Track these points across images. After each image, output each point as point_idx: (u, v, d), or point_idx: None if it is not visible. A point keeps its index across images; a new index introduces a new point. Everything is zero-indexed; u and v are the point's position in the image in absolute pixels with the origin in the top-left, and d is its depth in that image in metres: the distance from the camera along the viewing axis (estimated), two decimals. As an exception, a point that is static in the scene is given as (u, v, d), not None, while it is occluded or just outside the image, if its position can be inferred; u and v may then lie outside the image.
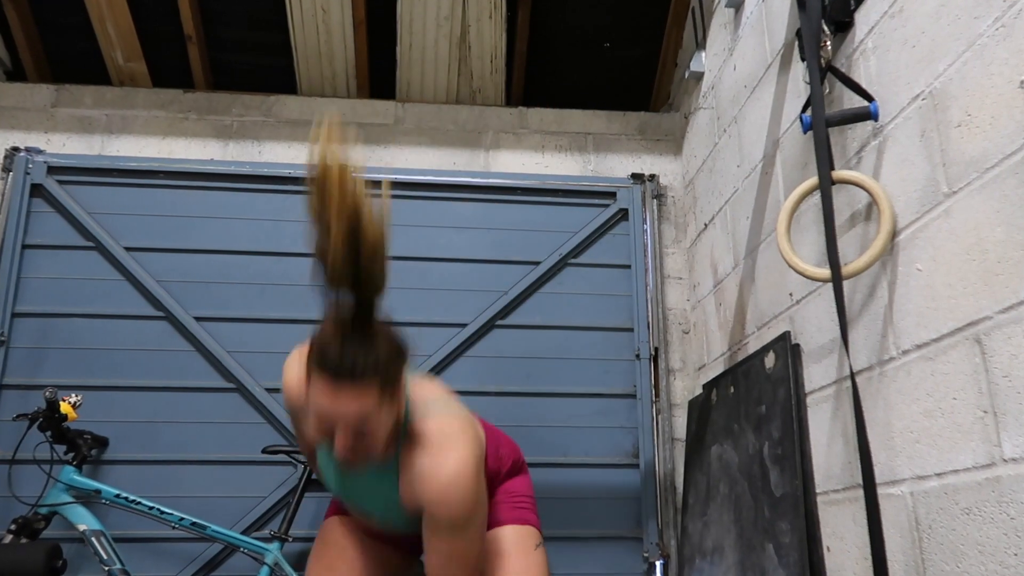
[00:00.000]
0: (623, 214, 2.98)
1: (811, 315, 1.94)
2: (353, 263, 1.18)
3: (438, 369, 2.74)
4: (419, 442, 1.40)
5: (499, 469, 1.71)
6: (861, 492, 1.58)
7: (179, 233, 2.78)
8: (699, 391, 2.67)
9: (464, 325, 2.78)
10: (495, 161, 3.05)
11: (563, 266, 2.90)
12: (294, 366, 1.56)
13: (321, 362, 1.23)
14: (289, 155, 2.96)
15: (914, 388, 1.51)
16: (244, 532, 2.46)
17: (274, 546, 2.27)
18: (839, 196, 1.77)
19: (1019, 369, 1.25)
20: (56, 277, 2.69)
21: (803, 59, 1.86)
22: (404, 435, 1.41)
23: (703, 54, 2.82)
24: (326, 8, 2.90)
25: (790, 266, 1.79)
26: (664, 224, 3.03)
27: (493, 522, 1.65)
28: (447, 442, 1.38)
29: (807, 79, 1.82)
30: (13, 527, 2.14)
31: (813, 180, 1.75)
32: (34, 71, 2.98)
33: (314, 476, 2.27)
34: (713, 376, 2.54)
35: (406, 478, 1.41)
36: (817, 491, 1.85)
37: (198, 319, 2.68)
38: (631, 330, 2.85)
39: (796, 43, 1.98)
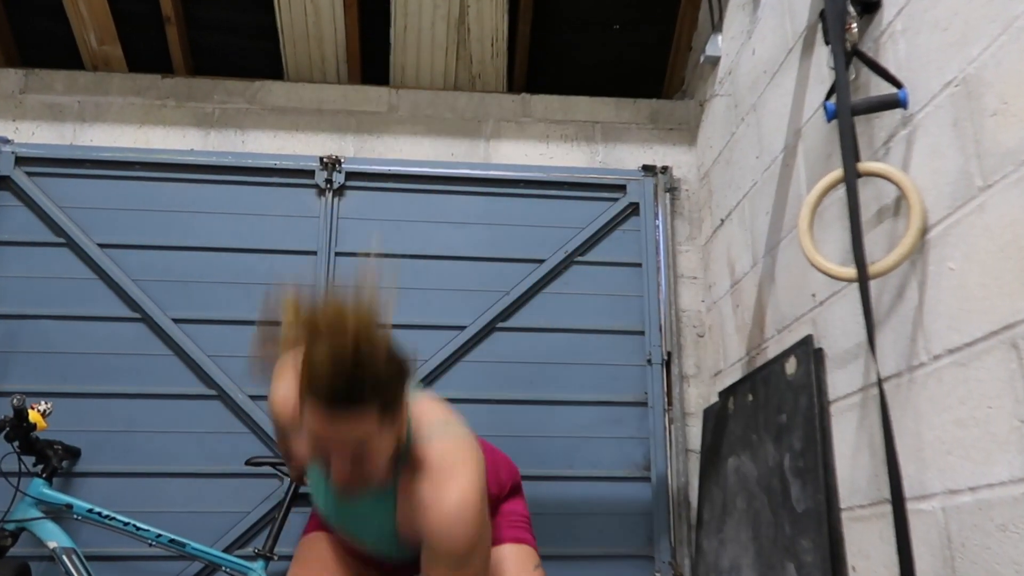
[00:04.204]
0: (633, 208, 2.98)
1: (835, 317, 1.94)
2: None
3: (434, 375, 2.74)
4: (420, 468, 1.37)
5: (499, 494, 1.72)
6: (889, 507, 1.59)
7: (156, 228, 2.78)
8: (715, 399, 2.67)
9: (463, 327, 2.79)
10: (496, 152, 3.06)
11: (569, 264, 2.90)
12: (282, 380, 1.53)
13: (315, 388, 1.20)
14: (275, 145, 2.97)
15: (946, 396, 1.52)
16: (226, 550, 2.47)
17: (258, 565, 2.27)
18: (865, 190, 1.78)
19: (1058, 375, 1.25)
20: (24, 276, 2.69)
21: (827, 43, 1.86)
22: (404, 459, 1.39)
23: (719, 37, 2.83)
24: (315, -13, 2.91)
25: (813, 265, 1.79)
26: (677, 219, 3.04)
27: (491, 540, 1.66)
28: (450, 469, 1.35)
29: (831, 64, 1.82)
30: (-22, 544, 2.15)
31: (837, 172, 1.75)
32: (1, 54, 2.99)
33: (302, 490, 2.27)
34: (730, 383, 2.55)
35: (405, 506, 1.41)
36: (841, 506, 1.86)
37: (177, 321, 2.69)
38: (642, 333, 2.86)
39: (820, 25, 1.98)
